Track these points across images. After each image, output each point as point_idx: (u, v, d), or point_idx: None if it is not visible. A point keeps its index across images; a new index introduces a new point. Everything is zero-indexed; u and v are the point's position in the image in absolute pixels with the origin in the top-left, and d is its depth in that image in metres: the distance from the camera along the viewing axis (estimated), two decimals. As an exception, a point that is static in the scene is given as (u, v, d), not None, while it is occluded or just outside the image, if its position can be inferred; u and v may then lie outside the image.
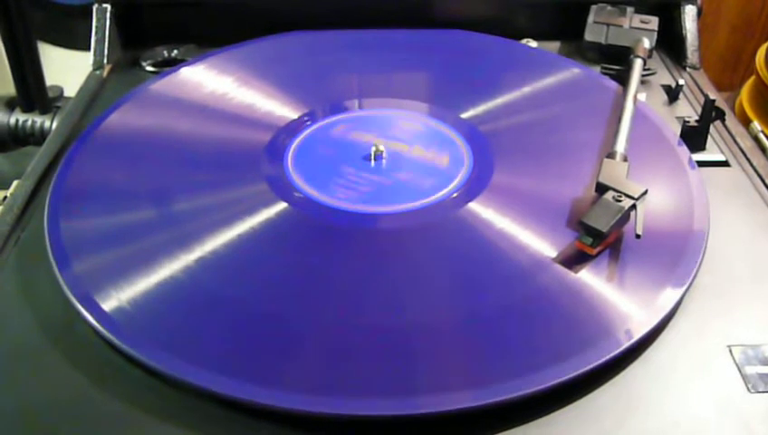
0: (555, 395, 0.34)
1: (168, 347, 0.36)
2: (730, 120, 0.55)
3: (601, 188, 0.43)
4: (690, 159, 0.49)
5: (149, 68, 0.62)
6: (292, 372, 0.35)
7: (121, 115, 0.53)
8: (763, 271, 0.42)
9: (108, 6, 0.63)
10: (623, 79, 0.56)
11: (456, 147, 0.50)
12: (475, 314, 0.38)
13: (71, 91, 0.62)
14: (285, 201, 0.45)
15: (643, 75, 0.58)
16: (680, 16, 0.65)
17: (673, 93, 0.58)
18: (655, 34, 0.62)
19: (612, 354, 0.35)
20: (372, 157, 0.49)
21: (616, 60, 0.61)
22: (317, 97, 0.55)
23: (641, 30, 0.62)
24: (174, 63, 0.61)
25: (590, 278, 0.40)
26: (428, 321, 0.38)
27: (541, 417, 0.34)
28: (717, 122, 0.54)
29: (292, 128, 0.52)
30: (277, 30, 0.63)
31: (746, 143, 0.53)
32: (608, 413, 0.34)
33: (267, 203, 0.44)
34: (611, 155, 0.46)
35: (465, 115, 0.53)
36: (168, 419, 0.34)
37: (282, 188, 0.46)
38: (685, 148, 0.50)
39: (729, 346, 0.38)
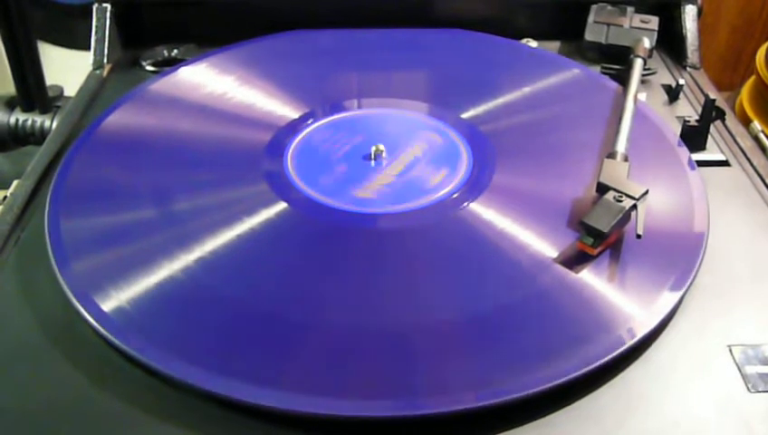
0: (555, 395, 0.34)
1: (167, 347, 0.36)
2: (730, 119, 0.55)
3: (602, 189, 0.43)
4: (690, 158, 0.49)
5: (149, 67, 0.62)
6: (291, 372, 0.35)
7: (121, 115, 0.53)
8: (763, 271, 0.42)
9: (108, 6, 0.63)
10: (623, 79, 0.56)
11: (456, 147, 0.50)
12: (476, 314, 0.38)
13: (71, 90, 0.62)
14: (285, 201, 0.44)
15: (643, 75, 0.58)
16: (680, 16, 0.65)
17: (673, 93, 0.58)
18: (655, 34, 0.62)
19: (613, 355, 0.35)
20: (372, 157, 0.49)
21: (616, 60, 0.61)
22: (317, 97, 0.55)
23: (641, 30, 0.62)
24: (174, 63, 0.61)
25: (590, 278, 0.40)
26: (428, 321, 0.38)
27: (541, 417, 0.34)
28: (717, 122, 0.54)
29: (292, 127, 0.52)
30: (277, 29, 0.63)
31: (746, 143, 0.53)
32: (608, 413, 0.34)
33: (267, 203, 0.44)
34: (612, 155, 0.46)
35: (465, 115, 0.53)
36: (168, 419, 0.34)
37: (282, 188, 0.46)
38: (685, 148, 0.50)
39: (729, 346, 0.38)
